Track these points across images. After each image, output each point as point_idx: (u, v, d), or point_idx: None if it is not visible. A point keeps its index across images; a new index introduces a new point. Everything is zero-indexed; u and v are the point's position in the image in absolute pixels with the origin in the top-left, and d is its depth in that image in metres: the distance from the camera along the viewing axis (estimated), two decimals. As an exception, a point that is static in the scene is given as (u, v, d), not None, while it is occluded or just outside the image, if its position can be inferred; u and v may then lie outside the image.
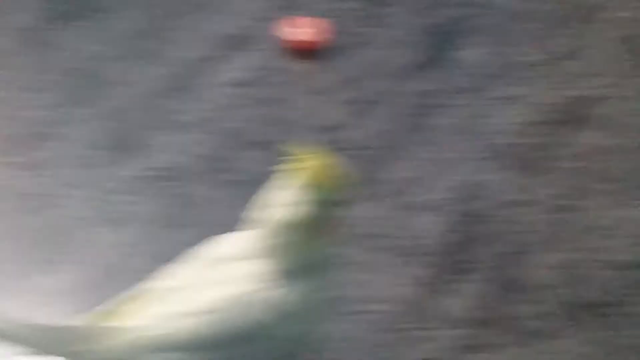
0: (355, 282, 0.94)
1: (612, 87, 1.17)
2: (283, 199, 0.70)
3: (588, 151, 1.09)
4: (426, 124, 1.13)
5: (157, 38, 1.23)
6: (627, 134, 1.11)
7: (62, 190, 1.04)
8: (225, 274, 0.74)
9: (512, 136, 1.10)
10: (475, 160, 1.07)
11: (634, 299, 0.93)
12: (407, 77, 1.18)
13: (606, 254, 0.97)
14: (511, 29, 1.24)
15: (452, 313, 0.91)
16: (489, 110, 1.13)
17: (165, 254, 0.96)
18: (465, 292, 0.93)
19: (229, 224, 1.00)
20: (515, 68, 1.19)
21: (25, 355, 0.74)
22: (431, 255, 0.97)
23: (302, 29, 1.20)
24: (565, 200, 1.03)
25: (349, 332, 0.90)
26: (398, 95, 1.16)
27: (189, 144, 1.10)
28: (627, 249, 0.98)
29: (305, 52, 1.20)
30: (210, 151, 1.09)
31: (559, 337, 0.90)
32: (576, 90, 1.16)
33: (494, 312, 0.92)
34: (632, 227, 1.00)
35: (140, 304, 0.76)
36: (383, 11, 1.27)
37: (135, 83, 1.17)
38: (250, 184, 1.04)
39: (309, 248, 0.71)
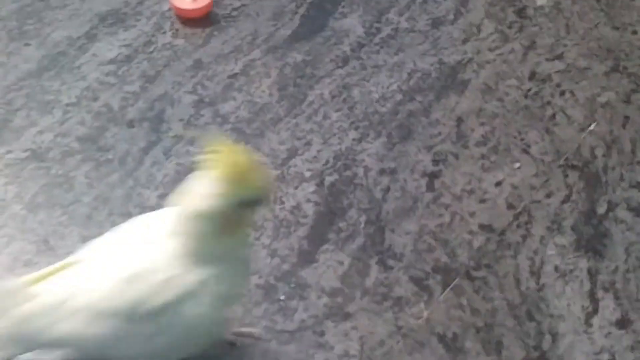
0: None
1: (479, 52, 1.19)
2: (199, 188, 0.71)
3: (456, 116, 1.11)
4: (305, 95, 1.14)
5: (36, 18, 1.22)
6: (494, 99, 1.13)
7: None
8: (140, 251, 0.75)
9: (382, 104, 1.12)
10: (352, 129, 1.09)
11: (503, 262, 0.96)
12: (287, 47, 1.19)
13: (470, 219, 1.00)
14: (390, -4, 1.25)
15: (317, 284, 0.93)
16: (360, 80, 1.15)
17: (42, 235, 0.97)
18: (331, 262, 0.95)
19: (105, 203, 1.01)
20: (392, 35, 1.20)
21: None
22: (299, 225, 0.98)
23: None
24: (440, 166, 1.05)
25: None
26: (278, 67, 1.17)
27: (65, 124, 1.09)
28: (491, 213, 1.00)
29: (191, 20, 1.20)
30: (88, 130, 1.09)
31: (421, 303, 0.92)
32: (445, 57, 1.18)
33: (358, 281, 0.94)
34: (496, 191, 1.03)
35: (58, 273, 0.77)
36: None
37: (6, 64, 1.16)
38: (128, 162, 1.05)
39: (218, 238, 0.72)
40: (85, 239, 0.97)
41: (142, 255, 0.75)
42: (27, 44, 1.19)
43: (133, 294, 0.73)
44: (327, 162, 1.05)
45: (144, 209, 1.00)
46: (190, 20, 1.21)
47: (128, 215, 0.99)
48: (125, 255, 0.76)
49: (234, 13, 1.24)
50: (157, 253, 0.74)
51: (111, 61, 1.17)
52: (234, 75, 1.15)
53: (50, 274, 0.78)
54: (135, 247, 0.76)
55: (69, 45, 1.19)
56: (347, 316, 0.91)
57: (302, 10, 1.24)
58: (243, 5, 1.25)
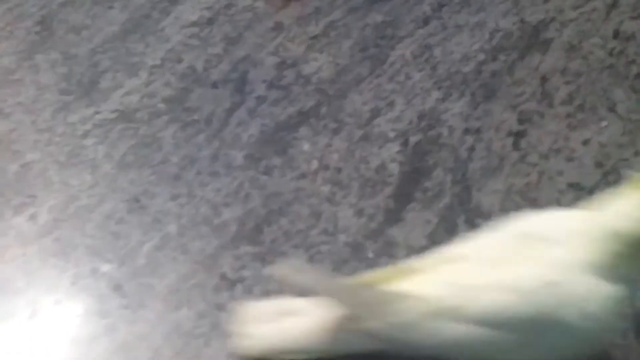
0: (308, 216, 0.97)
1: (562, 11, 1.17)
2: (627, 207, 0.71)
3: (540, 75, 1.10)
4: (386, 56, 1.14)
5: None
6: (579, 58, 1.12)
7: (32, 135, 1.06)
8: (535, 253, 0.73)
9: (465, 64, 1.11)
10: (429, 90, 1.09)
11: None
12: (367, 8, 1.19)
13: (558, 178, 0.99)
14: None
15: (405, 242, 0.94)
16: (442, 40, 1.14)
17: (132, 194, 1.00)
18: (418, 222, 0.96)
19: (193, 163, 1.03)
20: (470, -4, 1.19)
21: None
22: (384, 185, 0.99)
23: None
24: (525, 125, 1.05)
25: (313, 262, 0.93)
26: (358, 28, 1.17)
27: (151, 85, 1.11)
28: (579, 172, 1.00)
29: None
30: (173, 92, 1.11)
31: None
32: (528, 15, 1.17)
33: (446, 240, 0.94)
34: (583, 150, 1.02)
35: (426, 270, 0.75)
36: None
37: (90, 28, 1.18)
38: (213, 122, 1.07)
39: (632, 261, 0.71)
40: (174, 197, 0.99)
41: (544, 262, 0.72)
42: (110, 7, 1.21)
43: (539, 303, 0.70)
44: (411, 122, 1.05)
45: (231, 169, 1.01)
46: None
47: (216, 175, 1.01)
48: (521, 259, 0.73)
49: (313, -25, 1.24)
50: (563, 262, 0.71)
51: (193, 24, 1.18)
52: (315, 37, 1.16)
53: (404, 273, 0.75)
54: (531, 252, 0.73)
55: (151, 8, 1.21)
56: (435, 274, 0.92)
57: (381, -29, 1.24)
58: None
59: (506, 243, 0.75)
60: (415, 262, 0.78)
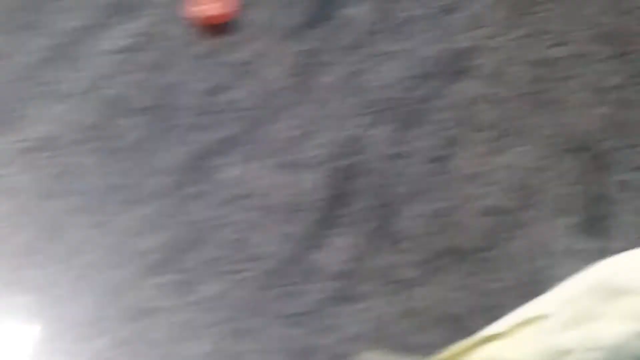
0: (233, 242, 0.96)
1: (489, 38, 1.19)
2: None
3: (465, 101, 1.11)
4: (310, 83, 1.14)
5: (39, 9, 1.22)
6: (502, 84, 1.14)
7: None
8: (618, 305, 0.71)
9: (393, 90, 1.12)
10: (356, 116, 1.09)
11: (505, 243, 0.97)
12: (291, 37, 1.20)
13: (480, 201, 1.00)
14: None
15: (328, 267, 0.94)
16: (371, 66, 1.15)
17: (48, 224, 0.98)
18: (341, 245, 0.96)
19: (117, 191, 1.02)
20: (397, 23, 1.21)
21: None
22: (309, 211, 0.99)
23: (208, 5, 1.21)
24: (442, 151, 1.06)
25: (226, 292, 0.92)
26: (287, 55, 1.18)
27: (70, 113, 1.10)
28: (500, 195, 1.01)
29: (214, 26, 1.21)
30: (92, 119, 1.10)
31: (432, 284, 0.93)
32: (455, 43, 1.18)
33: (369, 263, 0.94)
34: (505, 174, 1.03)
35: (508, 335, 0.73)
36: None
37: (16, 55, 1.17)
38: (132, 150, 1.06)
39: None
40: (97, 225, 0.98)
41: (627, 314, 0.70)
42: (36, 35, 1.20)
43: (629, 356, 0.69)
44: (339, 147, 1.06)
45: (156, 196, 1.01)
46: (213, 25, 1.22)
47: (140, 202, 1.00)
48: (603, 313, 0.71)
49: (246, 1, 1.25)
50: None
51: (120, 51, 1.18)
52: (243, 64, 1.16)
53: (486, 340, 0.73)
54: (613, 304, 0.71)
55: (77, 36, 1.20)
56: (359, 297, 0.92)
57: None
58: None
59: (585, 297, 0.73)
60: (495, 327, 0.76)
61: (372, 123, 1.09)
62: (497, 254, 0.96)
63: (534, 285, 0.93)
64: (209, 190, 1.01)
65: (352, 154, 1.05)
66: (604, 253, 0.95)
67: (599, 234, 0.98)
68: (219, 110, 1.10)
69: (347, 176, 1.03)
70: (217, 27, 1.20)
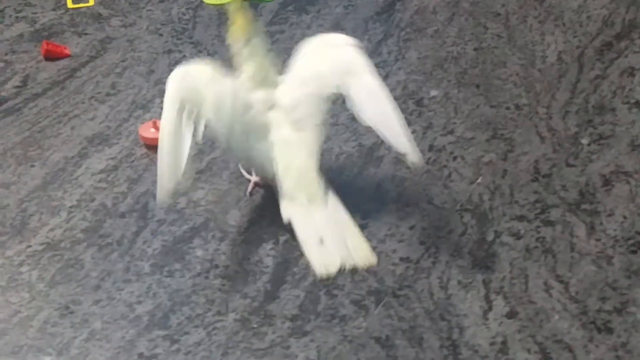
0: (205, 303, 1.24)
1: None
2: None
3: (380, 182, 1.43)
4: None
5: (36, 145, 1.53)
6: (409, 166, 1.46)
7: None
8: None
9: (322, 180, 1.44)
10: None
11: (419, 282, 1.26)
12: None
13: (399, 253, 1.30)
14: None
15: (286, 312, 1.22)
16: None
17: (63, 303, 1.25)
18: (294, 295, 1.24)
19: (110, 275, 1.29)
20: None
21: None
22: (267, 273, 1.28)
23: (155, 129, 1.52)
24: (366, 220, 1.36)
25: (203, 339, 1.19)
26: (234, 163, 1.48)
27: (71, 221, 1.38)
28: (414, 248, 1.31)
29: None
30: (89, 224, 1.38)
31: (366, 316, 1.21)
32: (369, 139, 1.51)
33: (316, 306, 1.23)
34: (417, 232, 1.34)
35: None
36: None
37: (22, 182, 1.46)
38: (124, 243, 1.34)
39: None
40: (96, 302, 1.25)
41: None
42: (32, 165, 1.50)
43: None
44: (280, 226, 1.35)
45: (140, 275, 1.29)
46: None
47: (128, 281, 1.28)
48: None
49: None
50: None
51: (101, 171, 1.48)
52: (200, 171, 1.47)
53: None
54: None
55: (65, 163, 1.50)
56: (306, 333, 1.20)
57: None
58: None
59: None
60: None
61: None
62: (408, 291, 1.25)
63: (438, 310, 1.22)
64: (182, 267, 1.30)
65: (291, 230, 1.35)
66: (488, 282, 1.26)
67: (483, 269, 1.28)
68: (184, 208, 1.39)
69: (289, 247, 1.32)
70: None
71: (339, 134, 1.53)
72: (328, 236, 1.30)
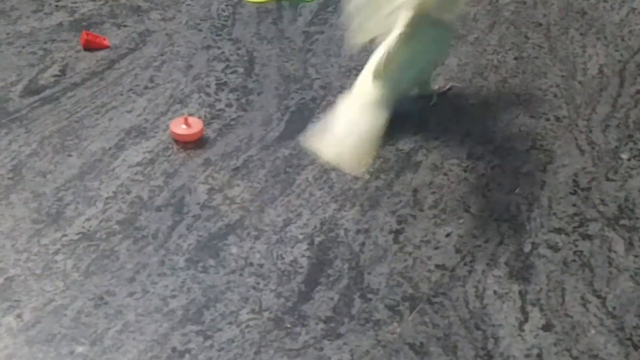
0: (239, 301, 1.24)
1: (433, 139, 1.52)
2: None
3: (418, 187, 1.42)
4: (294, 179, 1.45)
5: (74, 135, 1.53)
6: (447, 173, 1.45)
7: (13, 255, 1.31)
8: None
9: (360, 182, 1.43)
10: (333, 202, 1.40)
11: (454, 290, 1.25)
12: (277, 145, 1.51)
13: (434, 260, 1.30)
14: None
15: (319, 314, 1.22)
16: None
17: (97, 293, 1.25)
18: (328, 297, 1.24)
19: (145, 268, 1.29)
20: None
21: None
22: (302, 274, 1.28)
23: (186, 125, 1.53)
24: (402, 225, 1.36)
25: (236, 337, 1.19)
26: (270, 160, 1.48)
27: (107, 212, 1.39)
28: (450, 256, 1.31)
29: (189, 142, 1.53)
30: (125, 216, 1.38)
31: (400, 322, 1.21)
32: (407, 144, 1.51)
33: (350, 309, 1.22)
34: (453, 240, 1.33)
35: None
36: (251, 99, 1.61)
37: (59, 171, 1.46)
38: (159, 237, 1.34)
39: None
40: (131, 294, 1.25)
41: None
42: (69, 155, 1.50)
43: None
44: (315, 227, 1.35)
45: (175, 270, 1.28)
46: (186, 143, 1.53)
47: (163, 275, 1.28)
48: None
49: (232, 123, 1.57)
50: None
51: (138, 164, 1.48)
52: (236, 168, 1.46)
53: None
54: None
55: (103, 154, 1.50)
56: (339, 336, 1.19)
57: (286, 117, 1.57)
58: (239, 116, 1.58)
59: None
60: None
61: (340, 208, 1.39)
62: (443, 299, 1.24)
63: (473, 319, 1.21)
64: (216, 263, 1.29)
65: (327, 231, 1.34)
66: (525, 293, 1.25)
67: (520, 280, 1.27)
68: (220, 204, 1.39)
69: (324, 248, 1.32)
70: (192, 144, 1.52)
71: (376, 138, 1.53)
72: (346, 131, 1.40)
